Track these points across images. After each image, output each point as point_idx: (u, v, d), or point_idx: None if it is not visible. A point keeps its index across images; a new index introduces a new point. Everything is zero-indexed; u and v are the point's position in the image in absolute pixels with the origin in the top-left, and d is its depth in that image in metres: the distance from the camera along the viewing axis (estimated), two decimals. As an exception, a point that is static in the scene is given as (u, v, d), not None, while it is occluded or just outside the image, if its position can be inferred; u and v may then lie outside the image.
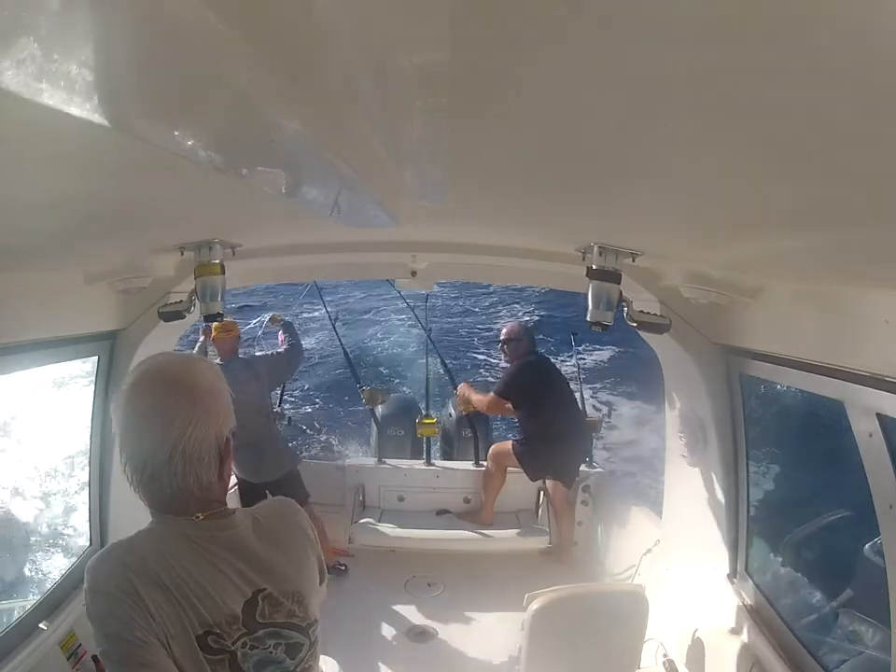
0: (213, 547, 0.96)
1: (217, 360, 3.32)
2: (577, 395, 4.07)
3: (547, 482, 3.78)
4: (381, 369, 9.75)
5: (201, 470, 0.93)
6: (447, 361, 4.95)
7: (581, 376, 4.57)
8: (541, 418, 3.59)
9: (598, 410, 6.64)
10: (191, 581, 0.91)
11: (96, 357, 2.18)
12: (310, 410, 8.72)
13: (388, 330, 11.29)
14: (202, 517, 0.96)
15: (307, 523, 1.12)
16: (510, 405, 3.68)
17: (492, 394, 3.70)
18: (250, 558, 0.98)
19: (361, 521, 3.78)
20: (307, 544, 1.09)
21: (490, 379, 8.59)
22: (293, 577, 1.03)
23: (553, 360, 4.31)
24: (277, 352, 3.70)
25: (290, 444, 3.84)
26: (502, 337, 3.81)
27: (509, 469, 3.74)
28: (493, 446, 3.86)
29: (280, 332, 3.77)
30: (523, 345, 3.71)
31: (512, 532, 3.72)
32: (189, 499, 0.95)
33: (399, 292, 3.82)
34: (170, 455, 0.90)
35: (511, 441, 3.79)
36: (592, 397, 7.04)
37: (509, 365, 3.77)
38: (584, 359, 8.63)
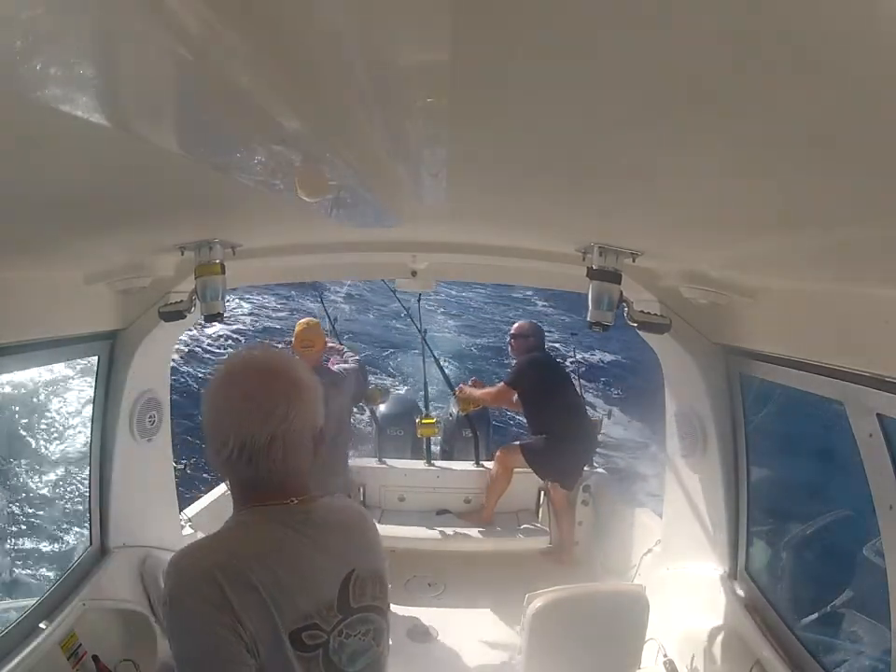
0: (308, 529, 0.93)
1: None
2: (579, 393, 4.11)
3: (547, 482, 3.79)
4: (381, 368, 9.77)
5: (298, 457, 0.94)
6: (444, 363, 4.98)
7: (581, 378, 4.58)
8: (549, 413, 3.63)
9: (598, 410, 6.66)
10: (285, 574, 0.87)
11: (96, 357, 2.18)
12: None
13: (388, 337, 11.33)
14: (296, 501, 0.94)
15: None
16: (516, 398, 3.74)
17: (501, 384, 3.78)
18: (341, 538, 0.97)
19: None
20: (375, 527, 1.10)
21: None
22: (374, 557, 1.02)
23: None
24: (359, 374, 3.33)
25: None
26: (512, 332, 3.93)
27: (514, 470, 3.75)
28: (500, 449, 3.87)
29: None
30: (531, 342, 3.80)
31: (513, 532, 3.72)
32: (286, 484, 0.94)
33: (394, 293, 3.84)
34: (271, 440, 0.89)
35: (518, 443, 3.80)
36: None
37: (517, 359, 3.86)
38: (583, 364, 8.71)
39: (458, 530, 3.73)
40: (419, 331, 4.74)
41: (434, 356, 4.86)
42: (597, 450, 4.12)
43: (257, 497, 0.93)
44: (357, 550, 0.99)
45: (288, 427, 0.90)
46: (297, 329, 3.10)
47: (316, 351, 3.06)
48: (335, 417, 2.96)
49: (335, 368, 3.21)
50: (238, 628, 0.81)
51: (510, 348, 3.97)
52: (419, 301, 4.60)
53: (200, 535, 2.84)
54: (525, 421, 3.95)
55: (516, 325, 3.94)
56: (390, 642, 1.05)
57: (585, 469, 3.90)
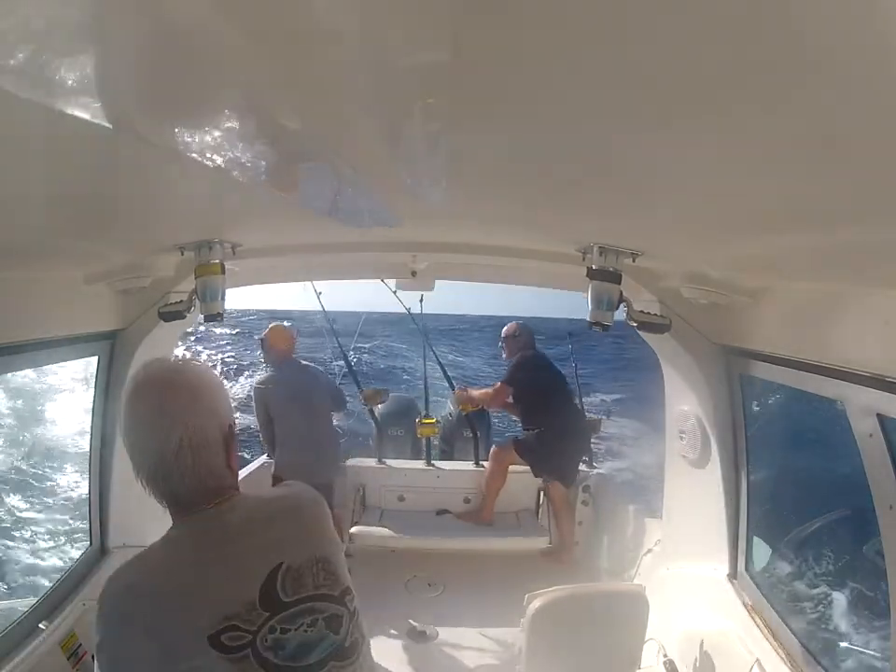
0: (222, 532, 0.94)
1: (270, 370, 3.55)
2: (576, 394, 4.13)
3: (546, 481, 3.79)
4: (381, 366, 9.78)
5: (210, 459, 0.94)
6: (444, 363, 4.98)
7: (580, 379, 4.58)
8: (541, 409, 3.66)
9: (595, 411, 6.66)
10: (199, 579, 0.88)
11: (96, 357, 2.18)
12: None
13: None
14: (212, 506, 0.95)
15: (322, 500, 1.10)
16: (511, 399, 3.78)
17: (499, 383, 3.82)
18: (264, 532, 0.96)
19: (362, 521, 3.78)
20: (321, 512, 1.07)
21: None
22: (313, 544, 1.00)
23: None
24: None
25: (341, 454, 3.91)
26: (503, 334, 4.01)
27: (511, 468, 3.75)
28: (493, 446, 3.89)
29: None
30: (521, 341, 3.88)
31: (512, 532, 3.72)
32: (205, 492, 0.94)
33: (394, 293, 3.85)
34: (178, 449, 0.90)
35: (511, 440, 3.82)
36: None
37: (510, 360, 3.93)
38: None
39: (458, 530, 3.73)
40: (420, 331, 4.73)
41: (435, 356, 4.86)
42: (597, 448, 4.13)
43: (181, 511, 0.95)
44: (287, 541, 0.97)
45: (192, 431, 0.91)
46: (267, 330, 3.62)
47: (279, 352, 3.54)
48: (313, 402, 3.44)
49: (303, 363, 3.68)
50: (152, 648, 0.82)
51: (502, 351, 4.04)
52: (421, 300, 4.60)
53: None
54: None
55: (506, 327, 4.05)
56: (364, 629, 1.02)
57: (585, 468, 3.90)
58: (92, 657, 1.89)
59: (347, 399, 3.87)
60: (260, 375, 3.60)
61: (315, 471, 3.34)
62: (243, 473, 3.35)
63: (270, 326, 3.69)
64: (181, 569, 0.90)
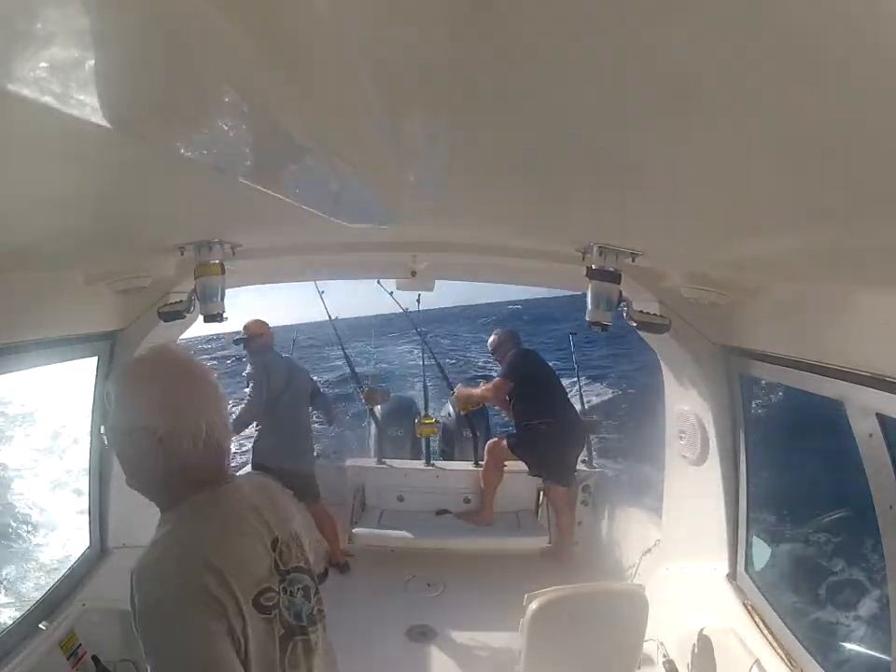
0: (241, 505, 1.01)
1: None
2: (576, 394, 4.15)
3: (546, 481, 3.79)
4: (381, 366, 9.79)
5: (228, 441, 1.03)
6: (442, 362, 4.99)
7: (580, 378, 4.58)
8: (534, 405, 3.68)
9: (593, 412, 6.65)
10: (236, 549, 0.94)
11: (96, 358, 2.18)
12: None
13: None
14: (222, 484, 1.01)
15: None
16: (507, 397, 3.80)
17: (498, 378, 3.85)
18: (260, 512, 1.03)
19: (361, 521, 3.78)
20: (287, 495, 1.16)
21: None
22: (288, 521, 1.09)
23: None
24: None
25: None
26: (490, 349, 4.12)
27: (509, 469, 3.76)
28: (488, 443, 3.90)
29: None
30: (510, 345, 3.95)
31: (512, 532, 3.72)
32: (220, 470, 1.01)
33: (390, 294, 3.87)
34: (223, 424, 0.99)
35: (504, 435, 3.85)
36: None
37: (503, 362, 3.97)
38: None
39: (458, 530, 3.72)
40: (418, 332, 4.73)
41: (434, 356, 4.87)
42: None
43: (196, 485, 0.97)
44: (273, 518, 1.05)
45: (219, 413, 0.99)
46: (247, 322, 3.78)
47: (264, 339, 3.71)
48: (299, 390, 3.66)
49: (283, 354, 3.92)
50: (224, 621, 0.86)
51: (496, 359, 4.10)
52: (419, 300, 4.61)
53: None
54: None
55: (492, 337, 4.14)
56: (323, 604, 1.11)
57: (585, 468, 3.90)
58: (94, 657, 1.90)
59: (342, 402, 3.98)
60: (253, 362, 3.63)
61: (300, 460, 3.50)
62: None
63: (246, 322, 3.86)
64: (228, 540, 0.95)
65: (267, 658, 0.92)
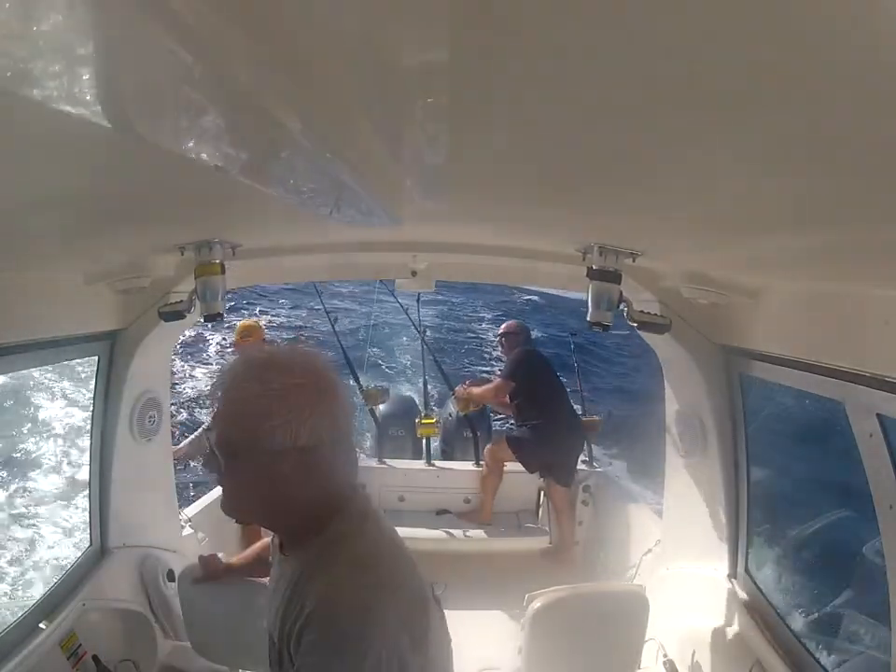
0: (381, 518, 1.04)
1: None
2: (576, 394, 4.17)
3: (547, 481, 3.80)
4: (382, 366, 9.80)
5: None
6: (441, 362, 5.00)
7: (580, 377, 4.59)
8: (535, 405, 3.69)
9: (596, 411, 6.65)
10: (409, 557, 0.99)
11: (96, 358, 2.18)
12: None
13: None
14: (359, 496, 1.01)
15: None
16: (508, 398, 3.83)
17: (499, 379, 3.87)
18: None
19: None
20: None
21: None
22: None
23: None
24: None
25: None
26: (501, 331, 4.13)
27: (509, 469, 3.76)
28: (488, 447, 3.92)
29: None
30: (520, 339, 3.96)
31: (513, 532, 3.72)
32: (354, 484, 1.01)
33: (392, 292, 3.87)
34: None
35: (504, 435, 3.86)
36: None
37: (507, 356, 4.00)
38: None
39: (458, 530, 3.73)
40: (418, 332, 4.74)
41: (434, 356, 4.87)
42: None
43: (339, 503, 0.93)
44: None
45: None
46: (239, 325, 3.81)
47: (255, 339, 3.71)
48: None
49: None
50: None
51: (500, 347, 4.14)
52: (419, 300, 4.61)
53: (200, 535, 2.84)
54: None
55: (504, 325, 4.16)
56: None
57: (585, 468, 3.91)
58: (94, 657, 1.89)
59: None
60: None
61: None
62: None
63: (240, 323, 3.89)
64: (403, 559, 0.98)
65: None
